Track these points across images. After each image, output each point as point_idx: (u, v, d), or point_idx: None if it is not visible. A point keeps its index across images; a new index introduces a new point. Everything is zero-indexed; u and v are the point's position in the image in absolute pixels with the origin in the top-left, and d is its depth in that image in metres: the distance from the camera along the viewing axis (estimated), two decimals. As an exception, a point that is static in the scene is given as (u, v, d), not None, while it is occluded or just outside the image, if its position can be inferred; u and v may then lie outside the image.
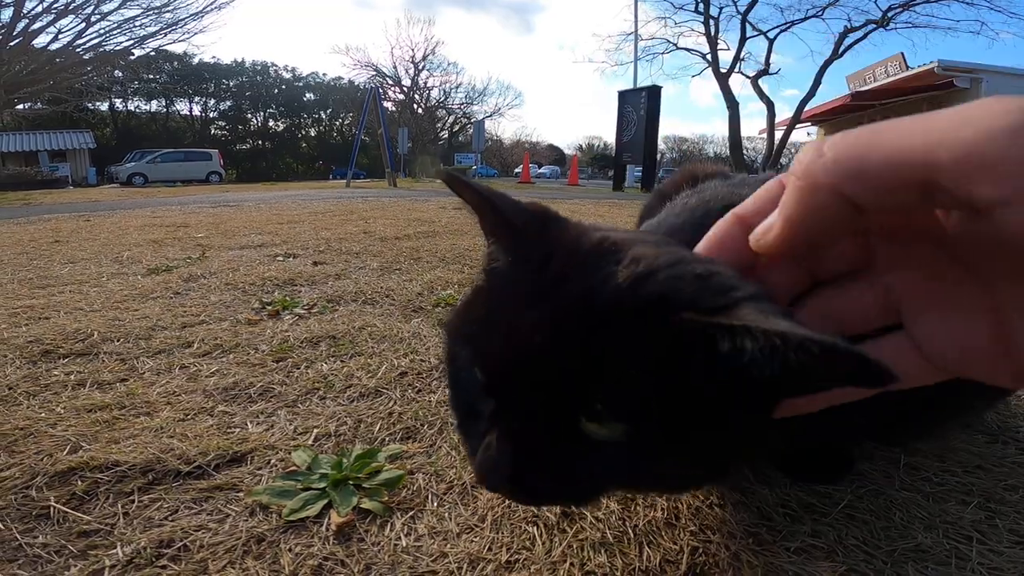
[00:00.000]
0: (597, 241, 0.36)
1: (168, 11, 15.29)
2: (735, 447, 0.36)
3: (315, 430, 0.83)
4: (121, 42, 15.65)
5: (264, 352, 1.15)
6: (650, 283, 0.32)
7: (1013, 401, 1.02)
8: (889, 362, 0.24)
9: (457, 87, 37.00)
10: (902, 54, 14.66)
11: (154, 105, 35.63)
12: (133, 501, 0.64)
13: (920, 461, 0.76)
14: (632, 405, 0.32)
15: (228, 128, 38.04)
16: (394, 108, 25.60)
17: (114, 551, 0.55)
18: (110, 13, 14.74)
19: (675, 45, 20.31)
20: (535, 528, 0.60)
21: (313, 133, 40.25)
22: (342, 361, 1.12)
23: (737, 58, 18.72)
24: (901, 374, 0.24)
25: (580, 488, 0.37)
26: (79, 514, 0.61)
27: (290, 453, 0.75)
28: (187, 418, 0.86)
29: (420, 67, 33.59)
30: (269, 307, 1.45)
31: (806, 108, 16.78)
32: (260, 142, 38.62)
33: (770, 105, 17.92)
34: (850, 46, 17.32)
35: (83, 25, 14.52)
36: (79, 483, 0.67)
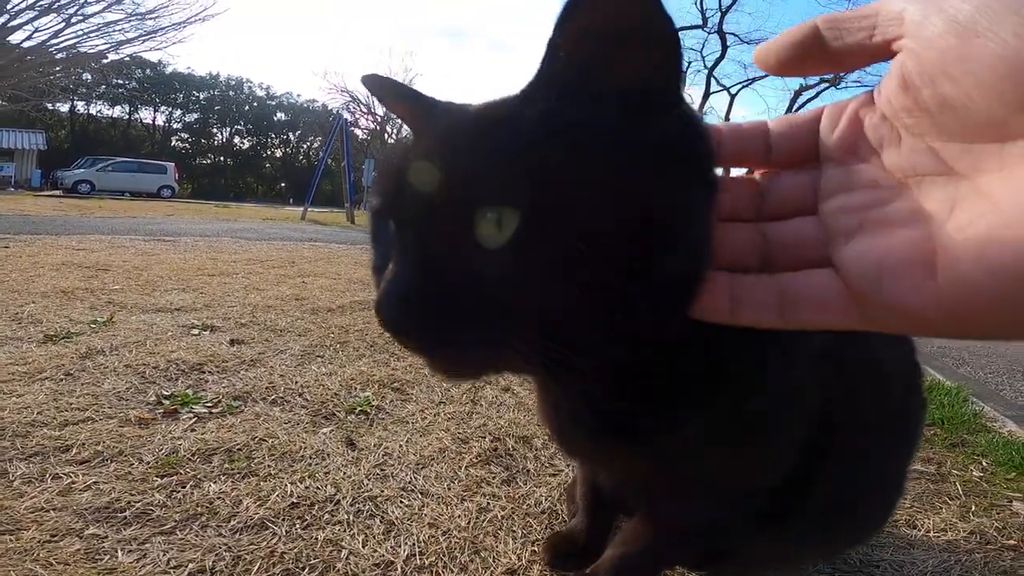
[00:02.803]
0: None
1: (151, 18, 15.04)
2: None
3: (190, 565, 0.80)
4: (96, 45, 15.25)
5: (149, 465, 1.09)
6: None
7: (886, 530, 1.05)
8: (812, 288, 0.30)
9: (430, 121, 37.08)
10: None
11: (117, 111, 34.60)
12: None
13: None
14: (522, 186, 0.33)
15: (191, 141, 37.08)
16: (365, 136, 25.47)
17: None
18: (92, 16, 14.41)
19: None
20: None
21: (279, 154, 39.60)
22: (233, 482, 1.06)
23: (700, 111, 19.42)
24: (822, 302, 0.30)
25: (474, 315, 0.34)
26: None
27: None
28: (53, 540, 0.82)
29: (395, 99, 33.63)
30: (167, 402, 1.37)
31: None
32: (222, 158, 37.77)
33: (727, 158, 18.58)
34: (803, 104, 18.09)
35: (62, 25, 14.10)
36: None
